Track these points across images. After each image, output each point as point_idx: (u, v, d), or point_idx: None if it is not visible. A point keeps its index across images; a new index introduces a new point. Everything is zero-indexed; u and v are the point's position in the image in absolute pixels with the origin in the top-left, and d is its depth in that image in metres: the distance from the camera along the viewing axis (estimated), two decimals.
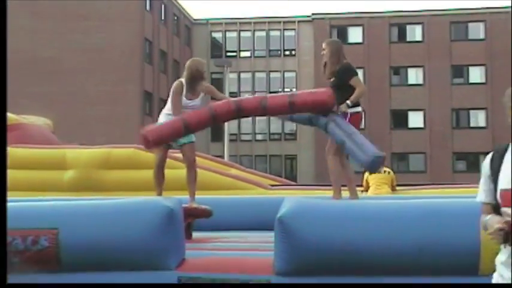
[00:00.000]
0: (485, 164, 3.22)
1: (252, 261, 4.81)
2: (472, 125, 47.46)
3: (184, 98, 7.22)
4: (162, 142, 7.01)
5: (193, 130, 7.07)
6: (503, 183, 3.06)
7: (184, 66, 7.45)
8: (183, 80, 7.28)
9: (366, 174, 13.54)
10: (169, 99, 7.31)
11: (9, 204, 4.83)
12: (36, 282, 4.43)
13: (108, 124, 39.48)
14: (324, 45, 7.41)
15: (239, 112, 7.03)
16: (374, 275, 4.42)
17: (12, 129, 12.73)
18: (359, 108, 7.20)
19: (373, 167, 6.98)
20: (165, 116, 7.31)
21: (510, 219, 2.88)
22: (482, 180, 3.25)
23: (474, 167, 46.21)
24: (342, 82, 7.13)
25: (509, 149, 3.11)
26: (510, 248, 2.96)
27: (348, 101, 7.08)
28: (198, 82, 7.28)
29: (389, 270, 4.41)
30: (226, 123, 33.26)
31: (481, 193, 3.26)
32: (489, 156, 3.22)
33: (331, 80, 7.28)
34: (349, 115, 7.08)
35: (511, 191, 2.99)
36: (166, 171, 7.44)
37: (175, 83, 7.33)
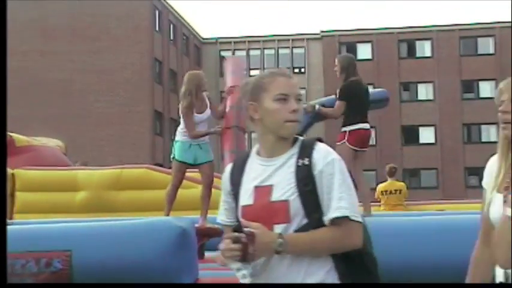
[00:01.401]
0: (225, 177, 2.72)
1: None
2: (483, 139, 47.25)
3: (196, 115, 7.20)
4: None
5: None
6: (244, 198, 2.59)
7: (184, 80, 7.34)
8: (189, 97, 7.20)
9: (378, 191, 13.46)
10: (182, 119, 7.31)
11: (22, 227, 4.84)
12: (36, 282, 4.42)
13: (119, 144, 39.59)
14: (335, 61, 7.43)
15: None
16: None
17: (24, 151, 12.76)
18: (359, 125, 7.16)
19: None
20: (181, 134, 7.28)
21: (246, 235, 2.39)
22: (222, 198, 2.75)
23: None
24: (340, 99, 7.23)
25: (250, 158, 2.65)
26: None
27: (317, 106, 7.36)
28: (201, 94, 7.27)
29: None
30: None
31: (221, 213, 2.76)
32: (228, 168, 2.73)
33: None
34: (347, 133, 7.10)
35: (253, 207, 2.54)
36: (179, 191, 7.43)
37: (183, 103, 7.24)
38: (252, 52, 50.81)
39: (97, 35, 41.35)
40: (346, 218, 2.48)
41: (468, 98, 47.67)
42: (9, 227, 4.55)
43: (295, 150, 2.57)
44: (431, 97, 48.01)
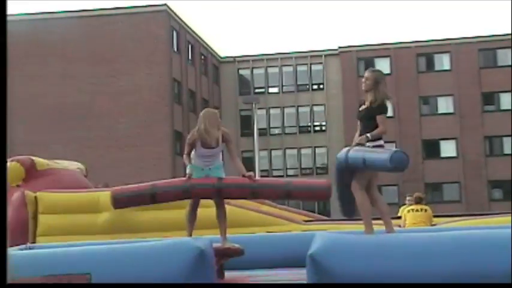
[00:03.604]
0: None
1: None
2: (506, 152, 46.86)
3: (201, 148, 7.28)
4: (127, 205, 7.30)
5: (160, 201, 7.30)
6: None
7: (199, 116, 7.48)
8: (195, 130, 7.35)
9: (404, 211, 13.45)
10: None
11: (42, 251, 4.87)
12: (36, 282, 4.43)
13: (140, 165, 39.74)
14: (366, 74, 7.34)
15: (220, 194, 7.19)
16: None
17: (45, 174, 12.85)
18: (380, 142, 7.06)
19: (397, 162, 6.49)
20: (193, 159, 7.38)
21: None
22: None
23: (511, 194, 45.57)
24: (371, 115, 7.07)
25: None
26: None
27: (368, 134, 7.03)
28: (212, 132, 7.29)
29: None
30: (256, 159, 33.36)
31: None
32: None
33: (362, 110, 7.20)
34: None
35: None
36: (199, 210, 7.45)
37: (190, 134, 7.45)
38: (270, 70, 50.91)
39: (115, 58, 41.67)
40: None
41: (489, 110, 47.37)
42: (30, 252, 4.58)
43: None
44: (451, 110, 47.77)
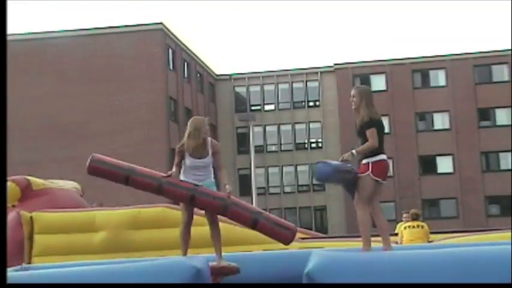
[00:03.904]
0: None
1: None
2: (502, 167, 46.90)
3: (190, 157, 7.28)
4: (99, 174, 7.41)
5: (132, 186, 7.36)
6: None
7: (187, 125, 7.47)
8: (184, 140, 7.33)
9: (400, 228, 13.45)
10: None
11: (37, 272, 4.84)
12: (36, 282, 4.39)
13: None
14: (352, 93, 7.38)
15: (192, 202, 7.19)
16: None
17: (41, 194, 12.81)
18: (382, 156, 7.10)
19: (317, 173, 6.92)
20: (182, 175, 7.37)
21: None
22: None
23: (508, 210, 45.53)
24: (363, 132, 7.11)
25: None
26: None
27: (354, 151, 7.04)
28: (199, 141, 7.28)
29: None
30: (253, 176, 33.30)
31: None
32: None
33: (357, 127, 7.25)
34: (370, 164, 7.01)
35: None
36: (194, 229, 7.41)
37: (179, 144, 7.42)
38: (266, 87, 51.01)
39: (111, 76, 41.70)
40: None
41: (485, 125, 47.46)
42: (25, 273, 4.55)
43: None
44: (447, 126, 47.86)
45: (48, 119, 41.15)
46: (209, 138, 7.42)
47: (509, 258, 4.39)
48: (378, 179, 7.01)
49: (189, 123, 7.42)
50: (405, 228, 13.10)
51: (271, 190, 49.23)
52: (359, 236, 7.39)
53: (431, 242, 12.25)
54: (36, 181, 13.12)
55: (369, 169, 6.97)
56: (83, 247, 12.52)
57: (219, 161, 7.47)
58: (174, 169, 7.35)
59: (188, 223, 7.30)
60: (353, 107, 7.31)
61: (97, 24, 47.15)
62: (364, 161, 7.03)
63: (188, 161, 7.28)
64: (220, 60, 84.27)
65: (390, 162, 47.46)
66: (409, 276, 4.34)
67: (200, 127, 7.31)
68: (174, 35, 44.29)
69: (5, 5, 4.54)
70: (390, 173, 46.05)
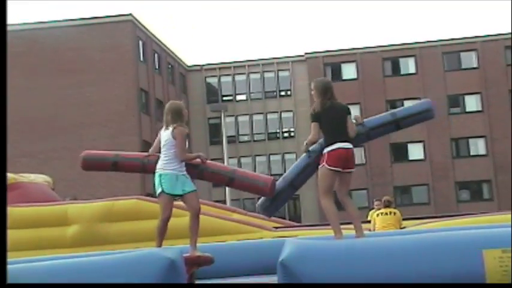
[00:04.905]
0: None
1: None
2: (472, 153, 47.42)
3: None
4: (92, 168, 7.82)
5: (121, 170, 7.63)
6: None
7: (168, 109, 7.47)
8: (182, 125, 7.30)
9: (373, 215, 13.59)
10: (169, 145, 7.28)
11: (9, 267, 4.80)
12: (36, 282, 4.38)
13: (108, 176, 39.43)
14: (312, 85, 7.48)
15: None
16: None
17: (12, 188, 12.70)
18: (337, 145, 7.18)
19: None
20: (167, 166, 7.26)
21: None
22: None
23: (478, 195, 46.08)
24: (312, 120, 7.33)
25: None
26: None
27: (305, 141, 7.51)
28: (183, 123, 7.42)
29: None
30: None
31: None
32: None
33: None
34: (326, 155, 7.16)
35: None
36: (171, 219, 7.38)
37: (179, 129, 7.29)
38: (237, 77, 50.96)
39: (81, 68, 41.36)
40: None
41: (454, 112, 47.90)
42: None
43: None
44: None
45: (18, 112, 40.67)
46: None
47: (479, 242, 4.45)
48: (335, 168, 7.09)
49: (176, 107, 7.41)
50: (378, 215, 13.24)
51: None
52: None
53: (403, 228, 12.38)
54: (7, 175, 12.99)
55: (324, 160, 7.11)
56: (56, 241, 12.45)
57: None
58: (190, 156, 7.50)
59: (167, 219, 7.24)
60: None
61: (66, 16, 46.69)
62: (323, 152, 7.18)
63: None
64: (191, 51, 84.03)
65: (362, 150, 47.73)
66: (382, 262, 4.38)
67: (182, 110, 7.43)
68: (144, 27, 44.03)
69: (5, 5, 4.50)
70: (362, 160, 46.43)
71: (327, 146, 7.17)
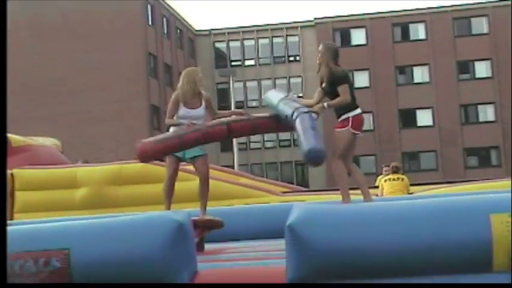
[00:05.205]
0: None
1: (265, 270, 4.80)
2: (481, 120, 47.29)
3: (184, 108, 7.23)
4: (155, 156, 7.09)
5: (188, 147, 7.02)
6: None
7: (181, 76, 7.47)
8: (179, 90, 7.28)
9: (381, 181, 13.65)
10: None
11: (19, 227, 4.85)
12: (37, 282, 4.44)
13: (116, 140, 39.57)
14: (319, 48, 7.38)
15: (230, 134, 7.14)
16: (386, 277, 4.40)
17: (21, 151, 12.79)
18: (359, 110, 7.14)
19: (310, 159, 6.53)
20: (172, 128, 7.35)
21: None
22: None
23: (486, 162, 46.02)
24: (333, 89, 7.09)
25: None
26: None
27: (325, 104, 7.08)
28: (196, 91, 7.28)
29: (402, 272, 4.38)
30: None
31: None
32: None
33: (323, 85, 7.25)
34: (350, 119, 7.07)
35: None
36: (177, 184, 7.42)
37: (174, 94, 7.36)
38: (246, 42, 50.74)
39: (90, 32, 41.27)
40: None
41: (464, 78, 47.67)
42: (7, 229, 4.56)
43: None
44: (427, 79, 48.01)
45: (25, 76, 40.74)
46: (202, 91, 7.42)
47: (487, 207, 4.46)
48: (358, 132, 7.11)
49: (183, 74, 7.37)
50: (385, 181, 13.30)
51: (253, 146, 49.33)
52: (339, 190, 7.50)
53: (411, 194, 12.43)
54: (16, 138, 13.08)
55: (349, 123, 7.04)
56: (65, 203, 12.56)
57: (215, 108, 7.54)
58: (171, 122, 7.26)
59: (172, 177, 7.31)
60: (317, 61, 7.32)
61: None
62: (343, 116, 7.09)
63: (182, 111, 7.23)
64: (200, 16, 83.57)
65: (370, 116, 47.65)
66: (390, 226, 4.40)
67: (195, 77, 7.32)
68: None
69: (5, 5, 4.48)
70: (370, 126, 46.39)
71: (351, 109, 7.08)
